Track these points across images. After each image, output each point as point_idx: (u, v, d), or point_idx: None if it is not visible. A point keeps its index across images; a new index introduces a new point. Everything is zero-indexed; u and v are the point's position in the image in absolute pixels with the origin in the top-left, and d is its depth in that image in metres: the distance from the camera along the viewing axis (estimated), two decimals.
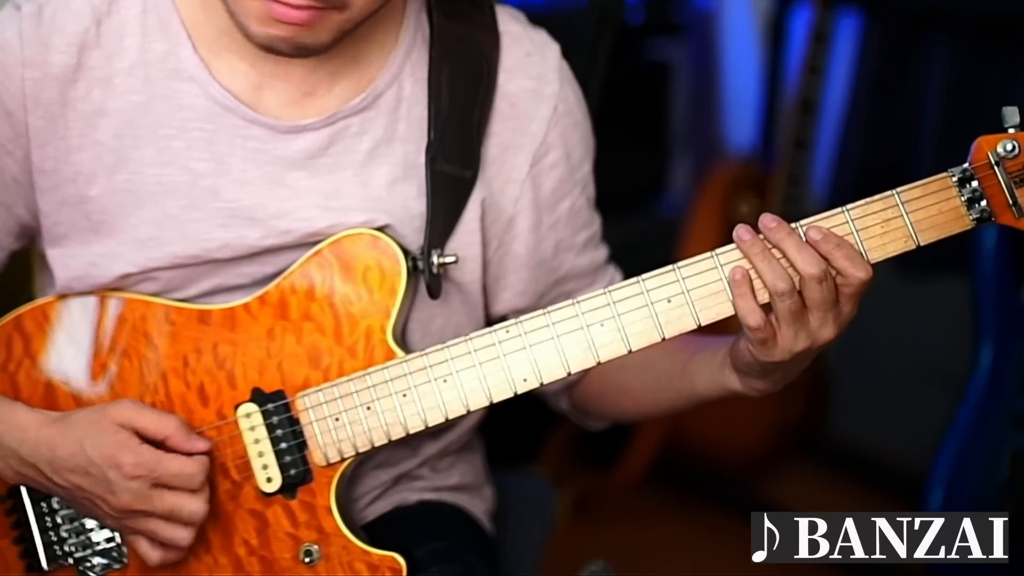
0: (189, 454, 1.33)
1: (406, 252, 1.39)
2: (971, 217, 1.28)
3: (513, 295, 1.51)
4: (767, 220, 1.27)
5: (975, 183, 1.28)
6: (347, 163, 1.40)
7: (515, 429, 2.04)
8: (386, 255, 1.39)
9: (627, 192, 3.19)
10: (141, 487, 1.30)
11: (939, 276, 2.89)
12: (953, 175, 1.28)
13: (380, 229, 1.40)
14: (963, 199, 1.28)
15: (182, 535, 1.33)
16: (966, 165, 1.28)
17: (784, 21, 3.11)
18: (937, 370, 2.73)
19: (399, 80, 1.41)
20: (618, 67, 2.04)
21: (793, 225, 1.27)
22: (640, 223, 3.17)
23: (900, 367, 3.05)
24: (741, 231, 1.27)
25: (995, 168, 1.27)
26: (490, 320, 1.53)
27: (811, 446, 3.21)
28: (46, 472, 1.33)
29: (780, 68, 3.14)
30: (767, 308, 1.27)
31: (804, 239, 1.26)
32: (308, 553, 1.38)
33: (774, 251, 1.26)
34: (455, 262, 1.41)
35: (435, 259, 1.40)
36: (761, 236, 1.27)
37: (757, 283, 1.27)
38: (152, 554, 1.35)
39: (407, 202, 1.41)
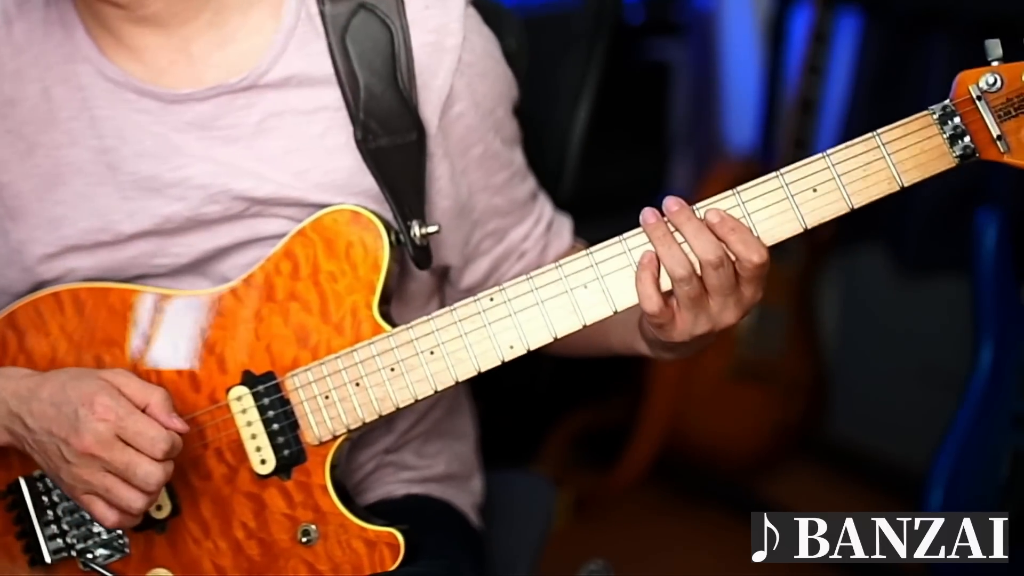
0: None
1: (388, 226, 1.40)
2: (954, 154, 1.25)
3: (447, 249, 1.49)
4: (670, 203, 1.26)
5: (957, 119, 1.25)
6: (238, 135, 1.41)
7: (515, 428, 2.04)
8: (368, 230, 1.39)
9: (627, 192, 3.19)
10: (106, 431, 1.29)
11: (939, 276, 2.89)
12: (934, 112, 1.26)
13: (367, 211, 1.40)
14: (945, 136, 1.25)
15: (135, 498, 1.31)
16: (947, 101, 1.26)
17: (784, 21, 3.11)
18: (937, 370, 2.73)
19: (284, 58, 1.41)
20: (618, 67, 2.04)
21: (697, 206, 1.26)
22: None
23: (900, 367, 3.05)
24: (647, 214, 1.27)
25: (977, 103, 1.24)
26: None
27: (811, 446, 3.21)
28: (22, 415, 1.34)
29: (780, 68, 3.14)
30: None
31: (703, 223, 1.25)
32: (306, 533, 1.39)
33: (677, 235, 1.26)
34: (438, 231, 1.41)
35: (416, 230, 1.40)
36: (665, 219, 1.26)
37: (644, 273, 1.26)
38: (108, 515, 1.32)
39: (302, 173, 1.41)
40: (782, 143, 2.99)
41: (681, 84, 3.35)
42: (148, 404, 1.32)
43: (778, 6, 3.12)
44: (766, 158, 3.12)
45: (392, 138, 1.40)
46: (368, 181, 1.41)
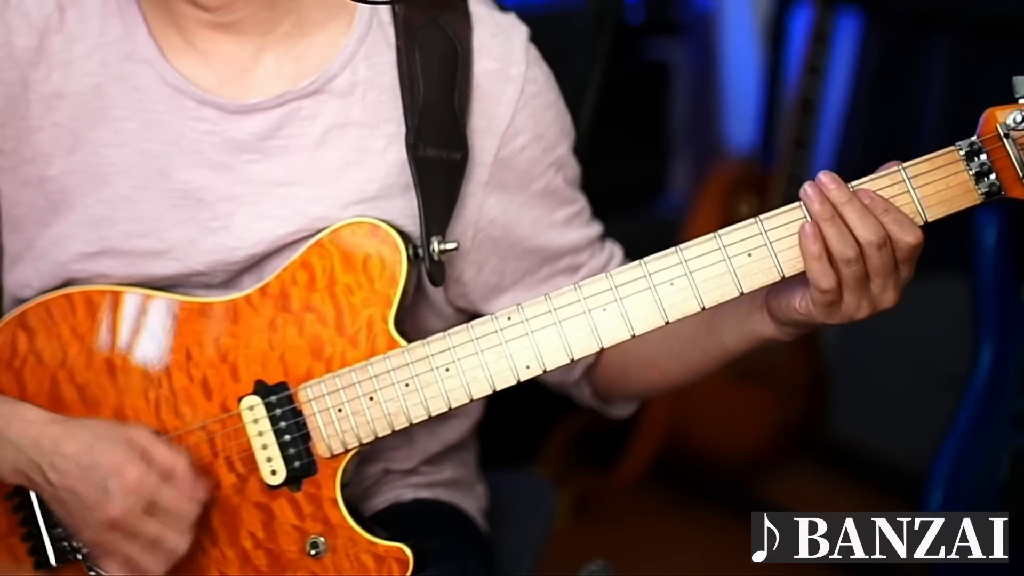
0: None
1: (407, 240, 1.39)
2: (980, 191, 1.25)
3: (505, 280, 1.48)
4: (828, 180, 1.24)
5: (983, 156, 1.24)
6: (299, 146, 1.40)
7: (515, 428, 2.04)
8: (386, 244, 1.38)
9: (627, 192, 3.19)
10: (135, 504, 1.31)
11: (939, 276, 2.89)
12: (960, 148, 1.25)
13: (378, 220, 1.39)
14: (971, 173, 1.25)
15: (158, 567, 1.33)
16: (974, 138, 1.25)
17: (784, 21, 3.12)
18: (937, 370, 2.73)
19: (352, 64, 1.41)
20: (618, 67, 2.04)
21: (852, 184, 1.25)
22: (640, 223, 3.17)
23: (900, 367, 3.05)
24: (810, 190, 1.24)
25: (1004, 140, 1.24)
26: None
27: (811, 446, 3.21)
28: (43, 467, 1.33)
29: (780, 68, 3.14)
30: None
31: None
32: (314, 545, 1.39)
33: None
34: (456, 248, 1.40)
35: (435, 246, 1.39)
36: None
37: (816, 247, 1.24)
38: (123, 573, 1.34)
39: (359, 186, 1.41)
40: (782, 143, 2.99)
41: (681, 84, 3.35)
42: (174, 471, 1.33)
43: (778, 6, 3.12)
44: (766, 158, 3.12)
45: (439, 152, 1.40)
46: (411, 191, 1.40)
